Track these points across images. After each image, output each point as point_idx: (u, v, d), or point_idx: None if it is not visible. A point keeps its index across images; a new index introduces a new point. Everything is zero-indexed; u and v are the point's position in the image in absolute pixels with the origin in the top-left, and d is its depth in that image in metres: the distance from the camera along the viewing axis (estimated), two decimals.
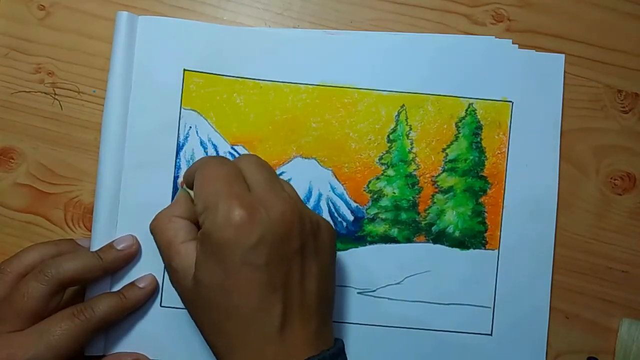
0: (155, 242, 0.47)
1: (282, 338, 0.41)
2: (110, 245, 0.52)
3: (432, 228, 0.55)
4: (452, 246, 0.55)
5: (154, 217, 0.48)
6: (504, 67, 0.56)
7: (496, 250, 0.55)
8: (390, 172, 0.55)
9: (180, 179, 0.53)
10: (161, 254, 0.46)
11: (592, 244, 0.57)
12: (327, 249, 0.45)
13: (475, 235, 0.55)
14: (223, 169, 0.45)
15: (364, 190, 0.55)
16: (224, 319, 0.42)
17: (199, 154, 0.54)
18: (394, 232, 0.55)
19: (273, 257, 0.41)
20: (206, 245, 0.42)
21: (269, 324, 0.41)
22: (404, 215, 0.55)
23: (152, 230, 0.47)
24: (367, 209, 0.55)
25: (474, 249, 0.55)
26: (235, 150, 0.54)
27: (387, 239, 0.55)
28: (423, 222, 0.55)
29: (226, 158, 0.47)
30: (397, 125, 0.56)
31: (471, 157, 0.56)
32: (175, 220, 0.46)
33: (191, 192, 0.48)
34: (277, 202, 0.42)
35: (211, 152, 0.54)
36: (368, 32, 0.57)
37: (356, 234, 0.55)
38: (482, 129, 0.56)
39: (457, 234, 0.55)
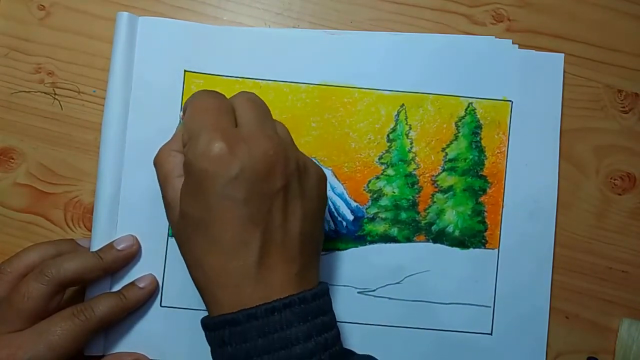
0: (156, 174, 0.47)
1: (261, 275, 0.41)
2: (110, 245, 0.52)
3: (432, 227, 0.55)
4: (452, 245, 0.55)
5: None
6: (504, 66, 0.56)
7: (496, 250, 0.55)
8: (390, 171, 0.55)
9: (181, 113, 0.52)
10: (160, 188, 0.46)
11: (592, 244, 0.57)
12: (314, 191, 0.45)
13: (475, 235, 0.55)
14: (213, 101, 0.45)
15: (364, 190, 0.55)
16: (205, 252, 0.41)
17: None
18: (394, 231, 0.55)
19: (253, 193, 0.41)
20: (188, 175, 0.42)
21: (247, 259, 0.41)
22: (403, 215, 0.55)
23: (154, 164, 0.47)
24: (367, 209, 0.55)
25: (474, 248, 0.55)
26: None
27: (387, 238, 0.55)
28: (423, 222, 0.55)
29: (220, 93, 0.46)
30: (396, 124, 0.56)
31: (471, 157, 0.56)
32: (174, 154, 0.46)
33: None
34: (262, 140, 0.42)
35: None
36: (368, 32, 0.57)
37: (356, 233, 0.55)
38: (481, 128, 0.56)
39: (457, 233, 0.55)
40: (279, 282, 0.41)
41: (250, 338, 0.39)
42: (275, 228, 0.42)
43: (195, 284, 0.44)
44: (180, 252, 0.45)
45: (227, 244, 0.41)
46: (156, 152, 0.46)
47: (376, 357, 0.44)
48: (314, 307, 0.41)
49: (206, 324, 0.42)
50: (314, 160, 0.52)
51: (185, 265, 0.53)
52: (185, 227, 0.43)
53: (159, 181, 0.46)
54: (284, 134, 0.45)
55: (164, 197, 0.45)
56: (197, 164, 0.41)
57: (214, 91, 0.46)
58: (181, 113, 0.52)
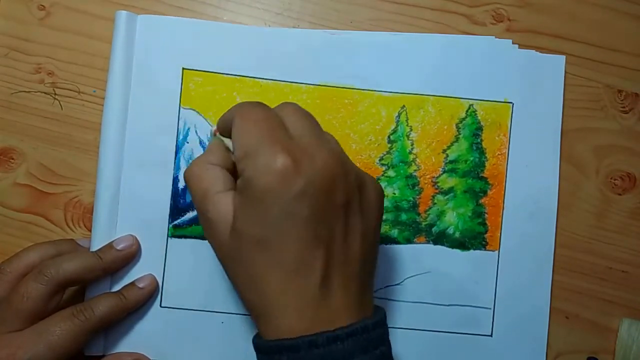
0: (190, 191, 0.43)
1: (323, 298, 0.39)
2: (110, 245, 0.52)
3: (433, 229, 0.55)
4: (452, 247, 0.55)
5: (189, 164, 0.45)
6: (504, 67, 0.56)
7: (496, 251, 0.55)
8: (391, 172, 0.55)
9: (213, 128, 0.49)
10: (195, 204, 0.43)
11: (592, 244, 0.57)
12: (373, 206, 0.42)
13: (475, 236, 0.55)
14: (264, 114, 0.41)
15: None
16: (262, 274, 0.39)
17: (199, 154, 0.54)
18: (395, 232, 0.55)
19: (316, 210, 0.38)
20: (246, 193, 0.39)
21: (309, 281, 0.38)
22: (404, 216, 0.55)
23: (188, 179, 0.43)
24: None
25: (474, 249, 0.55)
26: None
27: (387, 239, 0.55)
28: (423, 223, 0.55)
29: (265, 104, 0.43)
30: (397, 126, 0.55)
31: (471, 158, 0.56)
32: (212, 168, 0.43)
33: (226, 140, 0.44)
34: (322, 152, 0.39)
35: None
36: (368, 32, 0.57)
37: None
38: (482, 130, 0.56)
39: (457, 235, 0.55)
40: (341, 307, 0.39)
41: None
42: (337, 247, 0.39)
43: (249, 306, 0.41)
44: (230, 272, 0.42)
45: (289, 263, 0.38)
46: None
47: None
48: (374, 336, 0.39)
49: (260, 346, 0.40)
50: None
51: (185, 265, 0.53)
52: (238, 247, 0.40)
53: (193, 197, 0.43)
54: (336, 145, 0.43)
55: (202, 215, 0.42)
56: (259, 181, 0.38)
57: (259, 102, 0.43)
58: (213, 128, 0.48)
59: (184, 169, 0.51)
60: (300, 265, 0.38)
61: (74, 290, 0.53)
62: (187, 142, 0.54)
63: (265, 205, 0.38)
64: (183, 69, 0.54)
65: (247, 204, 0.39)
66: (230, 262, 0.42)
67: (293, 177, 0.38)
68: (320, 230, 0.39)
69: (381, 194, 0.43)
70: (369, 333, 0.38)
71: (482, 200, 0.55)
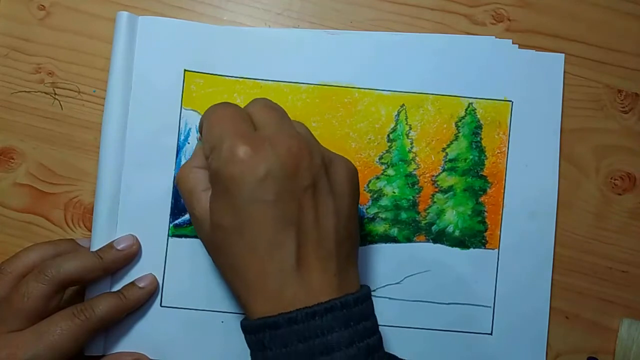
0: (180, 193, 0.47)
1: (300, 277, 0.40)
2: (110, 245, 0.52)
3: (432, 227, 0.55)
4: (452, 246, 0.55)
5: (179, 169, 0.47)
6: (504, 67, 0.56)
7: (496, 250, 0.55)
8: (390, 171, 0.55)
9: (198, 134, 0.52)
10: (185, 205, 0.46)
11: (592, 244, 0.57)
12: (344, 185, 0.44)
13: (475, 235, 0.55)
14: (229, 110, 0.45)
15: (364, 190, 0.55)
16: (241, 259, 0.41)
17: None
18: (394, 231, 0.55)
19: (282, 192, 0.40)
20: (215, 185, 0.42)
21: (285, 261, 0.40)
22: (404, 215, 0.55)
23: (177, 182, 0.47)
24: (367, 209, 0.55)
25: (474, 248, 0.55)
26: None
27: (387, 238, 0.55)
28: (423, 222, 0.55)
29: (233, 103, 0.47)
30: (397, 124, 0.56)
31: (471, 157, 0.56)
32: (196, 171, 0.46)
33: None
34: (284, 138, 0.41)
35: None
36: (368, 32, 0.57)
37: None
38: (482, 128, 0.56)
39: (457, 233, 0.55)
40: (319, 284, 0.40)
41: (290, 342, 0.38)
42: (308, 226, 0.41)
43: (234, 292, 0.43)
44: (216, 264, 0.45)
45: (262, 247, 0.40)
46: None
47: None
48: (356, 311, 0.40)
49: (245, 326, 0.41)
50: None
51: (185, 265, 0.53)
52: (218, 238, 0.42)
53: (183, 198, 0.46)
54: (304, 132, 0.45)
55: (191, 214, 0.45)
56: (224, 171, 0.40)
57: (227, 102, 0.47)
58: (198, 135, 0.51)
59: None
60: (273, 248, 0.40)
61: (74, 290, 0.53)
62: (188, 143, 0.54)
63: (232, 193, 0.40)
64: (185, 70, 0.54)
65: (217, 195, 0.42)
66: (215, 254, 0.45)
67: (255, 164, 0.40)
68: (288, 211, 0.40)
69: (352, 171, 0.45)
70: (351, 308, 0.40)
71: (481, 199, 0.55)
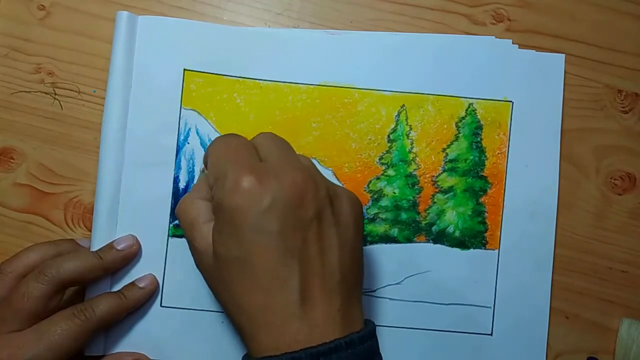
0: (180, 225, 0.46)
1: (304, 311, 0.39)
2: (110, 245, 0.52)
3: (433, 228, 0.55)
4: (452, 246, 0.55)
5: (179, 201, 0.47)
6: (504, 67, 0.56)
7: (496, 250, 0.55)
8: (391, 172, 0.55)
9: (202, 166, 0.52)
10: (185, 237, 0.45)
11: (592, 244, 0.57)
12: (348, 219, 0.43)
13: (475, 235, 0.55)
14: (234, 141, 0.45)
15: (364, 190, 0.55)
16: (244, 291, 0.40)
17: (199, 154, 0.54)
18: (394, 232, 0.55)
19: (286, 224, 0.40)
20: (219, 216, 0.41)
21: (287, 296, 0.39)
22: (404, 215, 0.55)
23: (178, 213, 0.46)
24: (367, 209, 0.55)
25: (474, 248, 0.55)
26: None
27: (387, 238, 0.55)
28: (423, 222, 0.55)
29: (239, 135, 0.46)
30: (397, 125, 0.56)
31: (471, 157, 0.56)
32: (197, 202, 0.45)
33: None
34: (289, 170, 0.41)
35: None
36: (368, 32, 0.57)
37: None
38: (482, 129, 0.56)
39: (457, 233, 0.55)
40: (323, 319, 0.40)
41: None
42: (312, 259, 0.40)
43: (236, 326, 0.42)
44: (217, 297, 0.44)
45: (265, 280, 0.39)
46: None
47: None
48: (362, 350, 0.39)
49: None
50: (314, 160, 0.52)
51: (185, 265, 0.53)
52: (220, 270, 0.42)
53: (184, 230, 0.45)
54: (309, 164, 0.45)
55: (192, 246, 0.45)
56: (228, 201, 0.40)
57: (233, 133, 0.47)
58: (202, 167, 0.50)
59: (185, 169, 0.52)
60: (276, 281, 0.39)
61: (74, 290, 0.53)
62: (188, 143, 0.54)
63: (236, 224, 0.40)
64: (184, 70, 0.54)
65: (220, 226, 0.41)
66: (216, 286, 0.43)
67: (259, 194, 0.40)
68: (291, 243, 0.40)
69: (357, 204, 0.44)
70: (355, 347, 0.39)
71: (482, 199, 0.55)
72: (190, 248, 0.45)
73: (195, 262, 0.45)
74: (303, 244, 0.40)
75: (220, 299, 0.44)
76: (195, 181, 0.54)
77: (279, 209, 0.39)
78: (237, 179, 0.40)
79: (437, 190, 0.55)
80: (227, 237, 0.41)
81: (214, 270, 0.42)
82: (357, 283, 0.44)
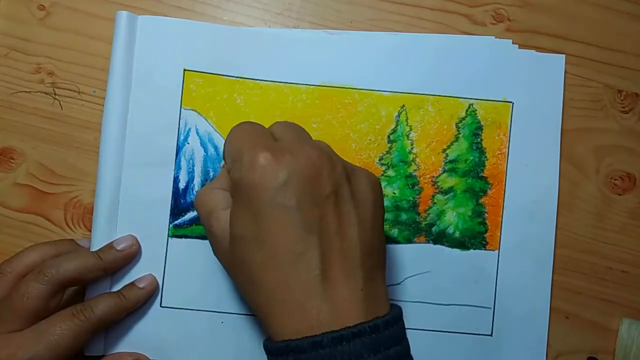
0: (199, 214, 0.46)
1: (324, 289, 0.38)
2: (110, 245, 0.52)
3: (433, 229, 0.55)
4: (452, 247, 0.55)
5: (197, 192, 0.47)
6: (504, 67, 0.56)
7: (496, 251, 0.55)
8: (391, 172, 0.55)
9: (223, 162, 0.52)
10: (203, 225, 0.45)
11: (592, 244, 0.57)
12: (367, 196, 0.42)
13: (475, 236, 0.55)
14: (250, 126, 0.45)
15: None
16: (262, 271, 0.39)
17: (199, 154, 0.54)
18: (394, 232, 0.55)
19: (303, 199, 0.39)
20: (237, 195, 0.41)
21: (308, 272, 0.38)
22: (404, 216, 0.55)
23: (196, 203, 0.46)
24: None
25: (474, 249, 0.55)
26: None
27: (387, 239, 0.55)
28: (423, 223, 0.55)
29: (254, 122, 0.47)
30: (397, 125, 0.56)
31: (471, 158, 0.56)
32: (216, 192, 0.45)
33: None
34: (304, 147, 0.41)
35: (211, 152, 0.54)
36: (368, 32, 0.57)
37: None
38: (482, 129, 0.56)
39: (457, 234, 0.55)
40: (345, 298, 0.38)
41: None
42: (331, 235, 0.40)
43: (255, 310, 0.41)
44: (236, 280, 0.43)
45: (284, 256, 0.39)
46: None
47: None
48: (387, 335, 0.38)
49: (269, 348, 0.39)
50: None
51: (185, 265, 0.53)
52: (238, 250, 0.41)
53: (201, 218, 0.45)
54: (324, 145, 0.44)
55: (209, 232, 0.44)
56: (244, 180, 0.40)
57: (249, 121, 0.47)
58: (223, 162, 0.50)
59: (185, 169, 0.52)
60: (295, 257, 0.38)
61: (74, 290, 0.53)
62: (188, 143, 0.54)
63: (253, 201, 0.39)
64: (184, 70, 0.54)
65: (237, 205, 0.41)
66: (234, 269, 0.43)
67: (275, 170, 0.39)
68: (309, 218, 0.39)
69: (376, 183, 0.44)
70: (380, 333, 0.38)
71: (482, 200, 0.55)
72: (208, 236, 0.45)
73: (213, 250, 0.45)
74: (321, 220, 0.39)
75: (239, 282, 0.43)
76: (195, 181, 0.54)
77: (295, 184, 0.39)
78: (253, 156, 0.40)
79: (437, 190, 0.55)
80: (244, 215, 0.40)
81: (232, 254, 0.42)
82: (379, 263, 0.43)
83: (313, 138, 0.46)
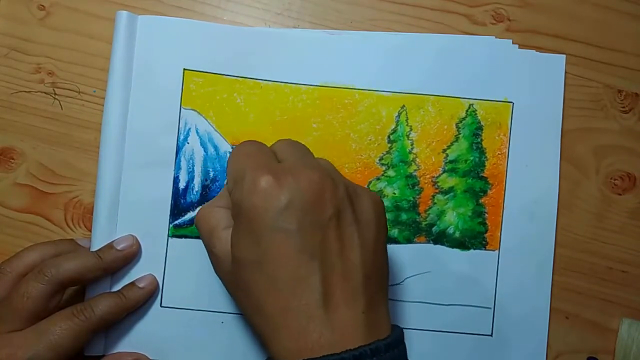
0: (200, 233, 0.45)
1: (326, 314, 0.38)
2: (110, 245, 0.52)
3: (433, 229, 0.55)
4: (452, 247, 0.55)
5: (199, 209, 0.47)
6: (505, 67, 0.56)
7: (496, 251, 0.55)
8: (391, 172, 0.55)
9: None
10: (204, 244, 0.45)
11: (592, 244, 0.57)
12: (370, 217, 0.42)
13: (475, 236, 0.55)
14: (252, 147, 0.45)
15: None
16: (263, 294, 0.39)
17: (199, 154, 0.54)
18: (395, 232, 0.55)
19: (305, 223, 0.39)
20: (238, 217, 0.41)
21: (309, 296, 0.38)
22: (404, 216, 0.55)
23: (197, 221, 0.46)
24: None
25: (475, 249, 0.55)
26: None
27: (387, 239, 0.54)
28: (423, 223, 0.55)
29: (257, 141, 0.46)
30: (397, 125, 0.56)
31: (471, 158, 0.56)
32: (217, 210, 0.45)
33: None
34: (306, 170, 0.41)
35: (211, 152, 0.54)
36: (368, 32, 0.57)
37: None
38: (482, 129, 0.56)
39: (457, 234, 0.55)
40: (346, 322, 0.38)
41: None
42: (333, 258, 0.39)
43: (256, 331, 0.41)
44: (238, 302, 0.43)
45: (285, 280, 0.38)
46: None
47: None
48: (388, 358, 0.38)
49: None
50: None
51: (185, 265, 0.53)
52: (239, 273, 0.41)
53: (202, 237, 0.45)
54: (327, 165, 0.44)
55: (211, 252, 0.44)
56: (246, 202, 0.40)
57: (252, 140, 0.47)
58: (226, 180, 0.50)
59: (185, 169, 0.52)
60: (296, 281, 0.38)
61: (74, 290, 0.53)
62: (188, 142, 0.54)
63: (254, 224, 0.39)
64: (184, 69, 0.54)
65: (239, 227, 0.41)
66: (236, 292, 0.43)
67: (277, 193, 0.39)
68: (311, 242, 0.39)
69: (378, 204, 0.43)
70: (381, 355, 0.37)
71: (482, 200, 0.55)
72: (209, 255, 0.45)
73: (214, 269, 0.45)
74: (322, 243, 0.39)
75: (240, 304, 0.43)
76: (194, 181, 0.54)
77: (296, 208, 0.39)
78: (255, 179, 0.40)
79: (437, 191, 0.55)
80: (245, 238, 0.40)
81: (233, 275, 0.42)
82: (381, 285, 0.42)
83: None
